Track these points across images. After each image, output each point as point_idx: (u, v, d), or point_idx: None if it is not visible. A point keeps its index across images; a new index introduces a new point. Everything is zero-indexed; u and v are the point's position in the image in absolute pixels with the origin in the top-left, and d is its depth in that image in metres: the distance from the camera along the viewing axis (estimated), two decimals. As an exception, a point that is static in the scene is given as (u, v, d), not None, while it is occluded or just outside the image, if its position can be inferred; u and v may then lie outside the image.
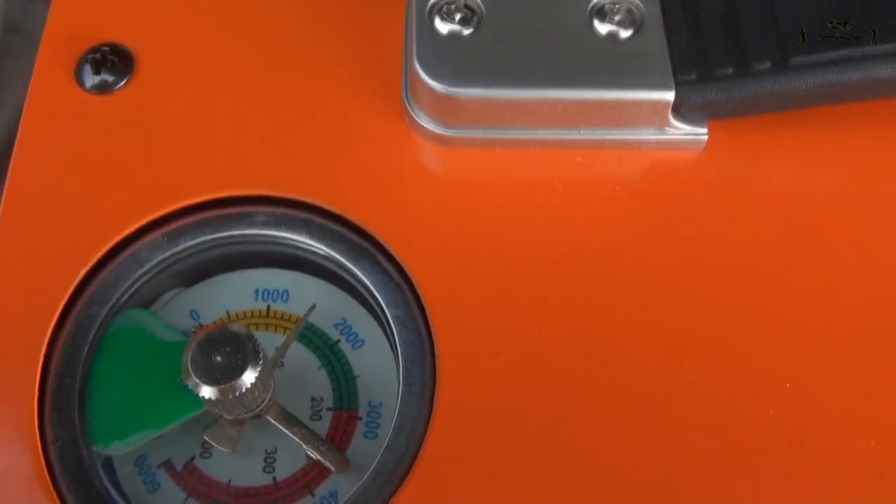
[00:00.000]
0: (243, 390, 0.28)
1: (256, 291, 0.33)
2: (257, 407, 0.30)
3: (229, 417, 0.30)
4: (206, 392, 0.28)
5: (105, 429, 0.30)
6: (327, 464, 0.30)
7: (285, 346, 0.31)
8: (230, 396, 0.28)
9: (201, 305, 0.33)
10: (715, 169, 0.33)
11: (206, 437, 0.31)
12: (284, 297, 0.33)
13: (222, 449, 0.30)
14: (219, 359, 0.28)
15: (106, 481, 0.30)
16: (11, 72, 0.71)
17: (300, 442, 0.30)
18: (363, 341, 0.33)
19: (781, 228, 0.32)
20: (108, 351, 0.31)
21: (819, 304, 0.31)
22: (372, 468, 0.29)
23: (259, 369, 0.28)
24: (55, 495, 0.29)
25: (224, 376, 0.28)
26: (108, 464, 0.31)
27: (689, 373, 0.30)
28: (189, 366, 0.28)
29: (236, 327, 0.28)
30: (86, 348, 0.31)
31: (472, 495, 0.28)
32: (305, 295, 0.33)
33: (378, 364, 0.32)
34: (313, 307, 0.32)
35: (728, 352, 0.30)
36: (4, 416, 0.30)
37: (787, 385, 0.30)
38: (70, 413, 0.30)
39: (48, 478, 0.29)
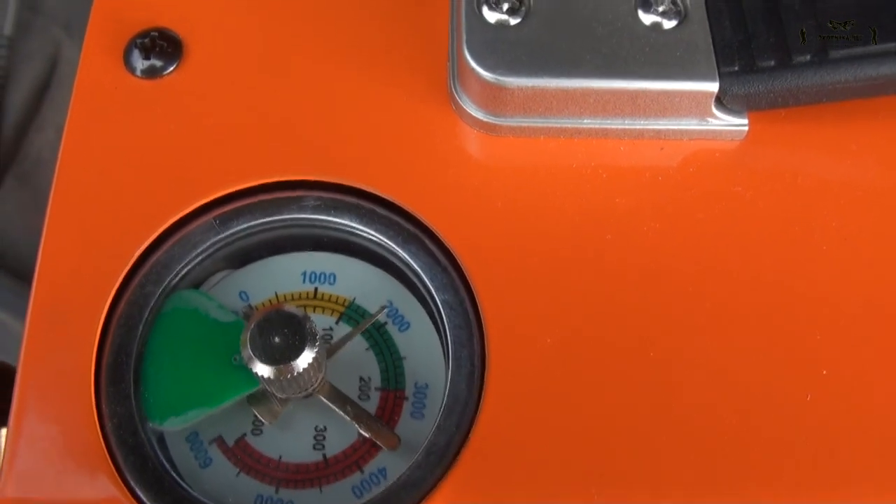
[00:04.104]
0: (300, 370, 0.29)
1: (304, 274, 0.34)
2: (311, 387, 0.31)
3: (282, 397, 0.31)
4: (264, 371, 0.29)
5: (161, 405, 0.31)
6: (379, 441, 0.31)
7: (347, 338, 0.32)
8: (287, 376, 0.29)
9: (250, 287, 0.34)
10: (755, 159, 0.34)
11: (249, 405, 0.31)
12: (332, 280, 0.34)
13: (263, 420, 0.31)
14: (277, 339, 0.29)
15: (161, 456, 0.31)
16: (29, 51, 0.71)
17: (352, 420, 0.31)
18: (409, 324, 0.33)
19: (820, 219, 0.33)
20: (162, 329, 0.32)
21: (860, 293, 0.32)
22: (423, 447, 0.30)
23: (316, 351, 0.29)
24: (113, 469, 0.30)
25: (282, 356, 0.29)
26: (160, 440, 0.32)
27: (731, 355, 0.31)
28: (248, 345, 0.29)
29: (293, 309, 0.29)
30: (140, 327, 0.32)
31: (524, 475, 0.29)
32: (352, 278, 0.34)
33: (424, 346, 0.33)
34: (384, 308, 0.33)
35: (768, 340, 0.31)
36: (63, 392, 0.31)
37: (824, 371, 0.31)
38: (126, 389, 0.31)
39: (106, 452, 0.30)
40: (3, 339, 0.65)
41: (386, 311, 0.33)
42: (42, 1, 0.73)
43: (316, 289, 0.34)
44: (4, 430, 0.31)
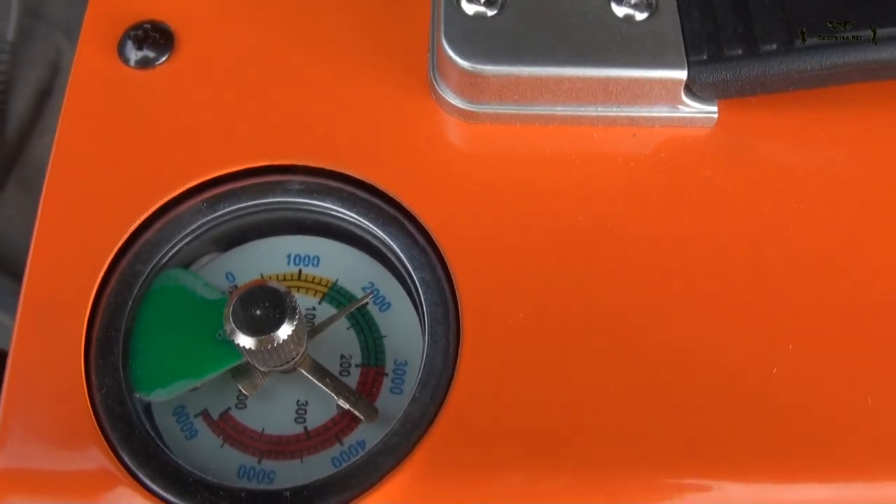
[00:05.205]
0: (280, 342, 0.30)
1: (289, 256, 0.35)
2: (291, 360, 0.32)
3: (264, 370, 0.32)
4: (246, 342, 0.30)
5: (148, 378, 0.32)
6: (357, 413, 0.32)
7: (332, 319, 0.33)
8: (268, 347, 0.30)
9: (237, 268, 0.35)
10: (724, 145, 0.35)
11: (233, 378, 0.33)
12: (315, 262, 0.35)
13: (244, 391, 0.33)
14: (258, 312, 0.30)
15: (147, 426, 0.32)
16: (31, 57, 0.72)
17: (332, 393, 0.32)
18: (389, 304, 0.35)
19: (786, 202, 0.34)
20: (150, 306, 0.33)
21: (823, 273, 0.33)
22: (399, 417, 0.31)
23: (295, 324, 0.30)
24: (101, 437, 0.31)
25: (263, 328, 0.30)
26: (147, 412, 0.33)
27: (699, 330, 0.32)
28: (230, 317, 0.30)
29: (275, 284, 0.30)
30: (129, 303, 0.33)
31: (494, 444, 0.30)
32: (335, 260, 0.35)
33: (403, 325, 0.34)
34: (369, 294, 0.34)
35: (735, 317, 0.32)
36: (54, 366, 0.32)
37: (790, 346, 0.32)
38: (114, 361, 0.32)
39: (94, 421, 0.31)
40: (5, 340, 0.67)
41: (371, 296, 0.34)
42: (44, 7, 0.75)
43: (300, 270, 0.35)
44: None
